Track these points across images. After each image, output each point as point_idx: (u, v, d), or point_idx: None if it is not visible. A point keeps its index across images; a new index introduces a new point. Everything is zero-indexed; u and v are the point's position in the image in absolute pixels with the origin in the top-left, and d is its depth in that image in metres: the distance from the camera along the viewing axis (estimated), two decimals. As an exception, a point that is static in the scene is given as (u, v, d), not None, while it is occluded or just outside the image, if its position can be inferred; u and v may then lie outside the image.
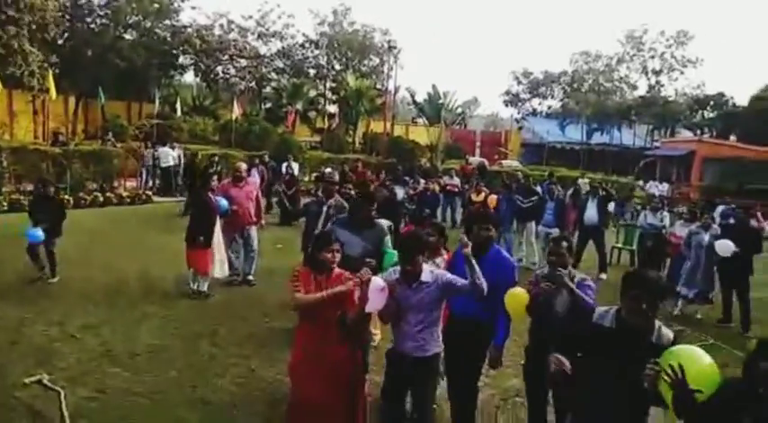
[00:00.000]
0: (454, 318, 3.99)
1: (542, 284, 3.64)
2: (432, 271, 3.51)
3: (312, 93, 33.43)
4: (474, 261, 3.35)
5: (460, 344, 3.95)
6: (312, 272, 3.48)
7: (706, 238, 7.90)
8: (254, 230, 8.11)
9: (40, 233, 7.31)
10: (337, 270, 3.50)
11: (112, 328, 6.04)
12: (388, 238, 4.89)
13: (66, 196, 13.34)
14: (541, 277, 3.84)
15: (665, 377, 2.36)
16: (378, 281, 3.33)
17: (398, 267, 3.53)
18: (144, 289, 7.55)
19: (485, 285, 3.36)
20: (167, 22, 29.43)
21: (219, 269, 7.58)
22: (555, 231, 10.39)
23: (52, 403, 4.33)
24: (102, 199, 14.86)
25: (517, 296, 3.70)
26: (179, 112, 24.06)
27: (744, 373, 2.34)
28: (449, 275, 3.48)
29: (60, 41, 26.65)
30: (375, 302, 3.30)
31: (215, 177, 8.08)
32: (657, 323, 2.67)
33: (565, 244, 3.88)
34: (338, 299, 3.36)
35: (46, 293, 7.05)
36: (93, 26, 27.17)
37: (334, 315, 3.36)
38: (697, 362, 2.42)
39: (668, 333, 2.67)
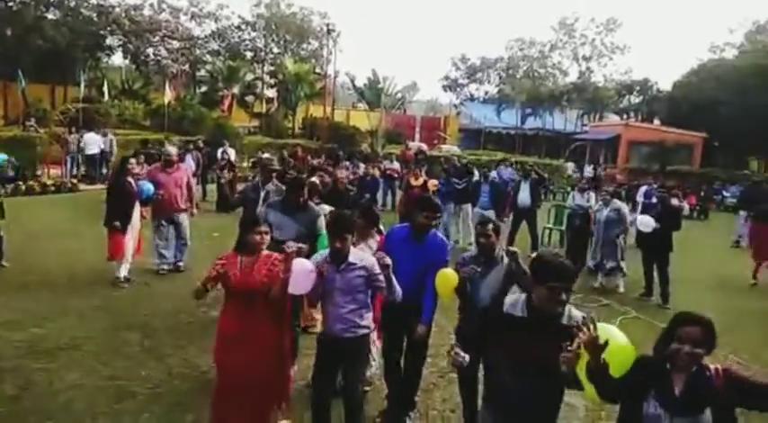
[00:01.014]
0: (391, 303, 3.97)
1: (468, 268, 3.74)
2: (360, 254, 3.55)
3: (249, 76, 32.75)
4: (394, 279, 3.46)
5: (400, 329, 4.06)
6: (239, 255, 3.45)
7: (605, 213, 8.57)
8: (184, 218, 7.87)
9: None
10: (266, 252, 3.48)
11: (36, 322, 5.79)
12: (321, 220, 4.88)
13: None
14: (470, 258, 3.96)
15: (581, 350, 2.36)
16: (306, 263, 3.33)
17: (327, 250, 3.55)
18: (70, 280, 7.26)
19: (400, 296, 3.52)
20: (93, 0, 27.96)
21: (129, 255, 7.33)
22: (490, 213, 10.71)
23: (-28, 403, 4.14)
24: (24, 187, 14.08)
25: (447, 277, 3.77)
26: (106, 96, 23.02)
27: (654, 350, 2.41)
28: (376, 269, 3.47)
29: (-25, 21, 24.97)
30: (302, 285, 3.30)
31: (132, 161, 7.67)
32: (567, 305, 2.70)
33: (491, 226, 3.97)
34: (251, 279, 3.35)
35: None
36: (11, 4, 25.50)
37: (258, 297, 3.34)
38: (614, 338, 2.43)
39: (578, 314, 2.70)
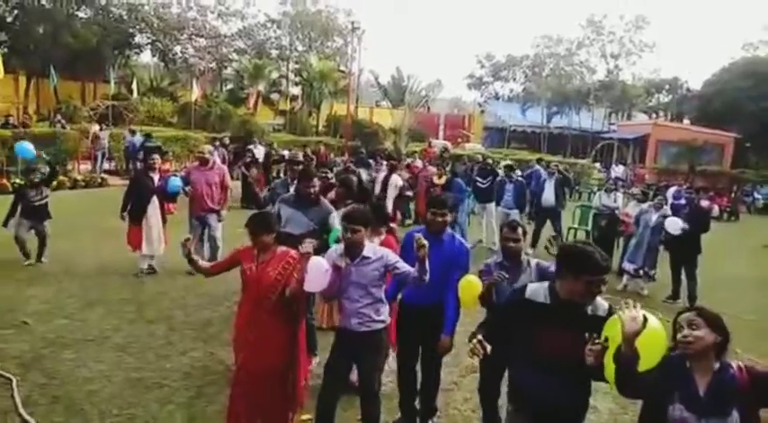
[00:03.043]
0: (406, 307, 3.96)
1: (495, 274, 3.52)
2: (374, 248, 3.52)
3: (274, 74, 32.96)
4: (426, 260, 3.29)
5: (416, 334, 3.92)
6: (255, 250, 3.47)
7: (654, 217, 8.25)
8: (214, 218, 7.63)
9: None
10: (281, 249, 3.48)
11: (65, 313, 5.94)
12: (333, 216, 4.85)
13: (18, 180, 12.88)
14: (495, 265, 3.77)
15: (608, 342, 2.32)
16: (322, 262, 3.32)
17: (341, 245, 3.52)
18: (99, 274, 7.42)
19: (428, 279, 3.37)
20: (123, -1, 28.50)
21: (148, 247, 7.40)
22: (515, 213, 10.64)
23: (5, 391, 4.25)
24: (55, 183, 14.37)
25: (471, 284, 3.59)
26: (135, 93, 23.41)
27: (670, 350, 2.35)
28: (393, 257, 3.47)
29: (9, 19, 25.56)
30: (317, 283, 3.29)
31: (156, 156, 7.79)
32: None
33: (520, 230, 3.77)
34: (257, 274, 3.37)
35: (-4, 280, 6.85)
36: (44, 2, 26.06)
37: (271, 292, 3.35)
38: (652, 322, 2.32)
39: (603, 303, 2.67)
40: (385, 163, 11.73)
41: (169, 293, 6.78)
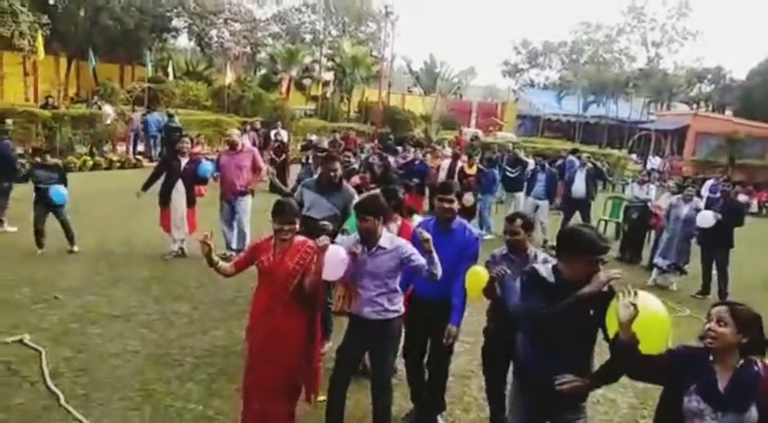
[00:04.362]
0: (417, 299, 3.91)
1: (495, 270, 3.31)
2: (392, 238, 3.51)
3: (307, 59, 33.05)
4: (434, 253, 3.29)
5: (422, 326, 3.88)
6: (273, 240, 3.45)
7: (684, 210, 8.01)
8: (241, 203, 7.45)
9: (64, 191, 7.22)
10: (299, 239, 3.45)
11: (94, 290, 6.13)
12: (356, 200, 4.87)
13: (56, 159, 13.28)
14: (501, 256, 3.69)
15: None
16: (339, 251, 3.32)
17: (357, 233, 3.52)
18: (127, 252, 7.64)
19: (440, 273, 3.36)
20: (161, -18, 28.86)
21: (176, 232, 7.49)
22: (545, 203, 10.50)
23: (33, 362, 4.41)
24: (91, 163, 14.80)
25: (477, 276, 3.48)
26: (171, 77, 23.77)
27: (699, 338, 2.34)
28: (409, 249, 3.44)
29: (52, 1, 26.16)
30: (334, 271, 3.30)
31: (186, 140, 7.87)
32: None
33: (519, 221, 3.64)
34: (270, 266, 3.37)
35: (29, 257, 7.09)
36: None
37: (288, 282, 3.34)
38: (649, 308, 2.37)
39: (604, 277, 2.67)
40: (413, 149, 11.69)
41: (194, 273, 6.88)
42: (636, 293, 2.32)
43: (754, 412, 2.14)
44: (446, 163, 11.02)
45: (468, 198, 9.12)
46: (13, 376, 4.22)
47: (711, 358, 2.25)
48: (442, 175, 10.48)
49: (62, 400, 3.90)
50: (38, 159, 7.45)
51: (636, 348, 2.31)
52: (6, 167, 8.15)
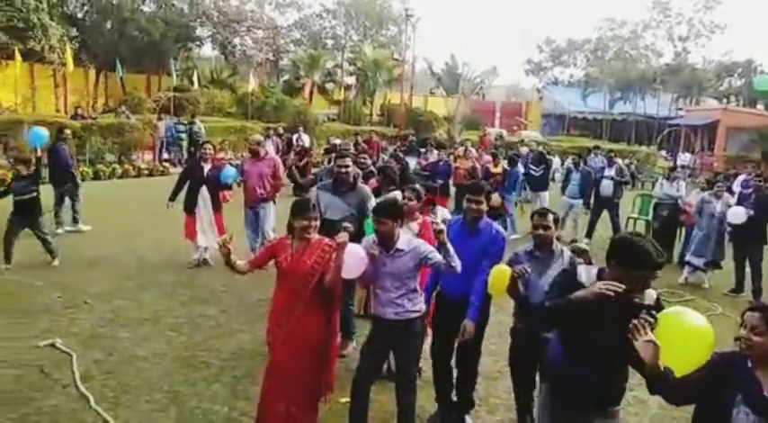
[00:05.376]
0: (444, 298, 3.90)
1: (517, 269, 3.18)
2: (409, 240, 3.50)
3: (329, 64, 33.26)
4: (449, 244, 3.30)
5: (450, 326, 3.84)
6: (290, 239, 3.46)
7: (718, 207, 7.82)
8: (264, 209, 7.41)
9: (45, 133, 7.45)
10: (316, 237, 3.45)
11: (123, 294, 6.24)
12: (372, 201, 4.81)
13: (86, 168, 13.63)
14: (525, 254, 3.63)
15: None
16: (358, 249, 3.33)
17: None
18: (156, 258, 7.76)
19: (459, 267, 3.34)
20: (184, -7, 29.40)
21: (203, 238, 7.43)
22: (578, 202, 10.37)
23: (64, 365, 4.51)
24: (120, 171, 15.12)
25: (501, 274, 3.37)
26: (196, 85, 24.16)
27: (735, 340, 2.23)
28: (425, 247, 3.43)
29: (80, 14, 26.87)
30: (353, 269, 3.31)
31: (208, 146, 7.80)
32: None
33: (551, 217, 3.60)
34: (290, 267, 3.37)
35: (61, 263, 7.21)
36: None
37: (307, 281, 3.34)
38: (682, 324, 2.26)
39: (652, 292, 2.59)
40: (435, 151, 11.66)
41: (221, 277, 6.94)
42: (651, 325, 2.19)
43: None
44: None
45: (496, 198, 9.05)
46: (45, 379, 4.31)
47: (750, 364, 2.15)
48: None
49: (92, 403, 3.97)
50: (17, 170, 7.18)
51: (666, 379, 2.21)
52: (65, 172, 8.85)
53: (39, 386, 4.20)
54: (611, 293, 2.43)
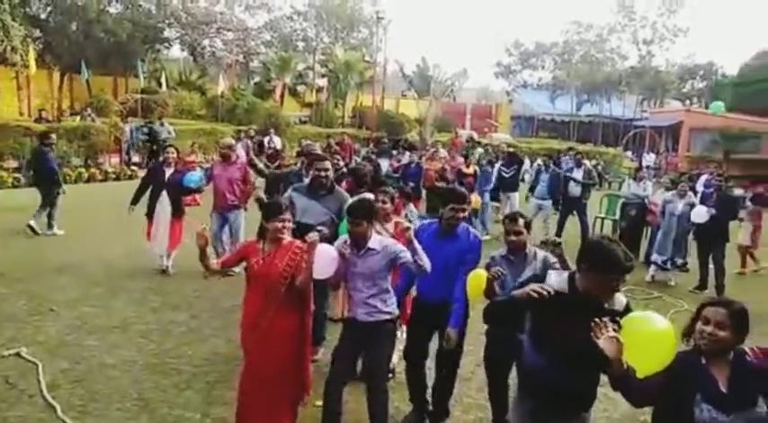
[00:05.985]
0: (421, 302, 3.91)
1: (492, 271, 3.29)
2: (381, 239, 3.52)
3: (301, 66, 33.09)
4: (416, 243, 3.34)
5: (424, 329, 3.86)
6: (261, 242, 3.46)
7: (679, 206, 8.04)
8: (234, 215, 7.19)
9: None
10: (287, 240, 3.45)
11: (91, 301, 6.11)
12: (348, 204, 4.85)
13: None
14: (500, 258, 3.67)
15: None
16: (329, 249, 3.35)
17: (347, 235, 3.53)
18: (125, 264, 7.60)
19: (428, 267, 3.36)
20: (152, -6, 28.87)
21: (153, 243, 7.28)
22: (547, 203, 10.51)
23: (30, 375, 4.39)
24: (86, 175, 14.79)
25: (477, 279, 3.42)
26: (164, 87, 23.78)
27: (682, 336, 2.30)
28: (397, 247, 3.46)
29: (44, 15, 26.18)
30: (324, 270, 3.32)
31: (171, 149, 7.59)
32: None
33: (522, 221, 3.63)
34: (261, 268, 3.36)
35: (26, 270, 7.07)
36: (77, -1, 26.63)
37: (279, 284, 3.35)
38: (646, 326, 2.33)
39: (621, 298, 2.62)
40: (408, 153, 11.70)
41: (192, 282, 6.85)
42: (612, 325, 2.24)
43: (761, 403, 2.11)
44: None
45: (476, 198, 9.16)
46: (11, 390, 4.20)
47: (704, 361, 2.20)
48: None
49: (59, 412, 3.88)
50: None
51: (629, 379, 2.23)
52: (51, 177, 9.10)
53: (4, 396, 4.09)
54: (536, 296, 2.50)
